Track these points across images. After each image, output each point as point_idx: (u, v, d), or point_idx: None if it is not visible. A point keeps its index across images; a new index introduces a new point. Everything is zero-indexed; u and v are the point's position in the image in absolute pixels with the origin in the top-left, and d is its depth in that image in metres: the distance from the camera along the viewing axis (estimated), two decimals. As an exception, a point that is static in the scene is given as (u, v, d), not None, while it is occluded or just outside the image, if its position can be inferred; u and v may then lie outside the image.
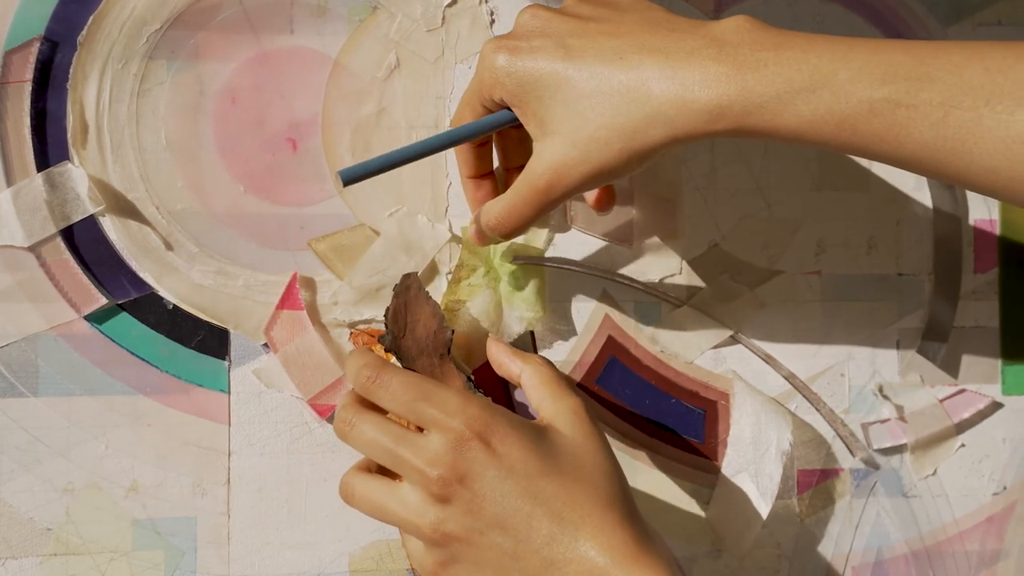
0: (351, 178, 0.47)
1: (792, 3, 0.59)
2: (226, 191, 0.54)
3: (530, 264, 0.55)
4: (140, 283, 0.53)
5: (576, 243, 0.57)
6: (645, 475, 0.57)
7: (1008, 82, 0.40)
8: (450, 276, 0.55)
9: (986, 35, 0.60)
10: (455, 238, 0.56)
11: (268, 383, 0.54)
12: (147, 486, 0.53)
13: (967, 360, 0.60)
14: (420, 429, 0.47)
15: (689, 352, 0.58)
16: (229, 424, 0.54)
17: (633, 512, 0.46)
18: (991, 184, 0.42)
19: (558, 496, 0.44)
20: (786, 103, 0.42)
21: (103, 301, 0.52)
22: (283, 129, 0.54)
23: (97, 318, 0.53)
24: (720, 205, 0.58)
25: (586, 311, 0.57)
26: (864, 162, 0.60)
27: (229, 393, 0.54)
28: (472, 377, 0.53)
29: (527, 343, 0.56)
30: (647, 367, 0.57)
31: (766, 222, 0.59)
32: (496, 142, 0.53)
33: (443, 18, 0.56)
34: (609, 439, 0.56)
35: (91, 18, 0.52)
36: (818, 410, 0.58)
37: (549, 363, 0.50)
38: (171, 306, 0.53)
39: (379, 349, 0.54)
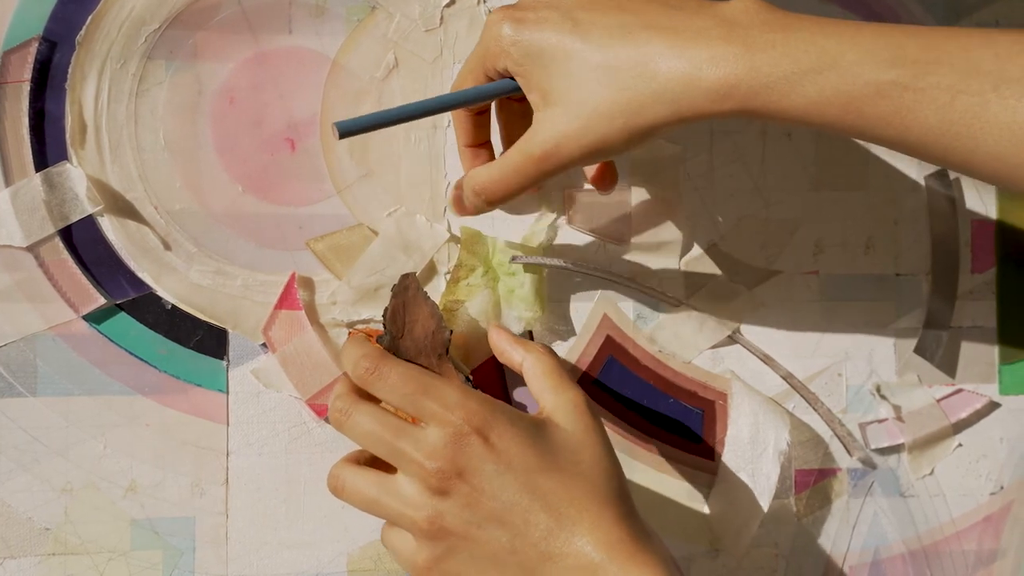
0: (347, 131, 0.47)
1: (790, 3, 0.59)
2: (224, 191, 0.54)
3: (528, 264, 0.55)
4: (138, 283, 0.53)
5: (574, 243, 0.57)
6: (643, 474, 0.57)
7: (1016, 69, 0.40)
8: (448, 276, 0.55)
9: (984, 35, 0.60)
10: (454, 238, 0.56)
11: (266, 383, 0.54)
12: (145, 486, 0.53)
13: (964, 360, 0.60)
14: (415, 420, 0.47)
15: (687, 352, 0.58)
16: (227, 424, 0.54)
17: (630, 509, 0.46)
18: (996, 171, 0.42)
19: (556, 492, 0.45)
20: (793, 84, 0.42)
21: (101, 301, 0.52)
22: (281, 129, 0.54)
23: (95, 318, 0.53)
24: (718, 205, 0.58)
25: (584, 311, 0.57)
26: (862, 162, 0.60)
27: (227, 393, 0.54)
28: (471, 377, 0.53)
29: (525, 343, 0.56)
30: (645, 367, 0.57)
31: (764, 222, 0.59)
32: (497, 115, 0.53)
33: (441, 18, 0.56)
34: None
35: (89, 18, 0.52)
36: (816, 410, 0.58)
37: (551, 352, 0.50)
38: (169, 306, 0.53)
39: (378, 349, 0.54)
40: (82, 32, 0.52)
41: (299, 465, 0.54)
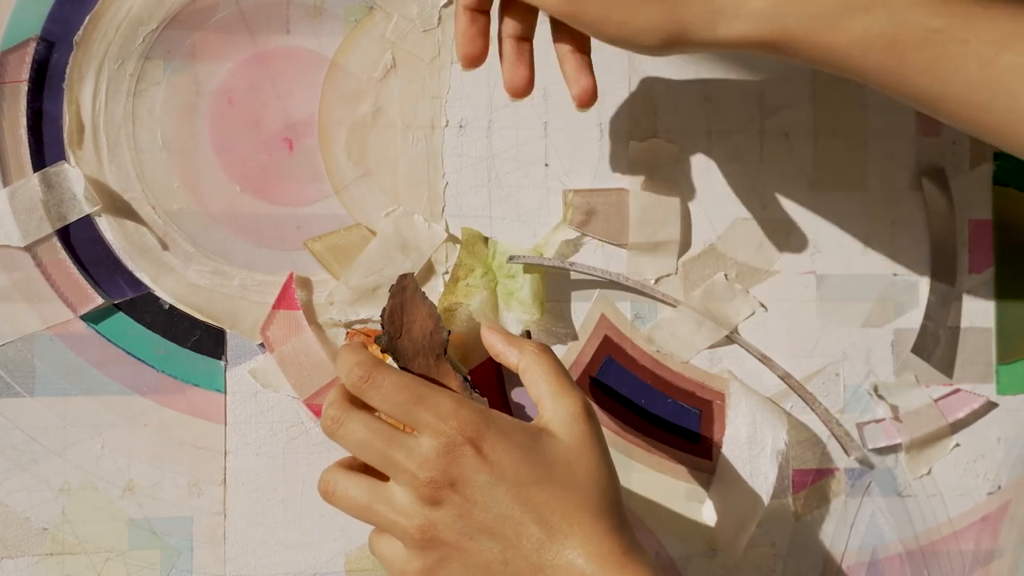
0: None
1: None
2: (222, 191, 0.54)
3: (527, 265, 0.56)
4: (136, 283, 0.53)
5: (572, 244, 0.57)
6: (641, 474, 0.57)
7: None
8: (447, 276, 0.56)
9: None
10: (452, 238, 0.56)
11: (264, 383, 0.54)
12: (143, 486, 0.53)
13: (962, 360, 0.60)
14: (408, 429, 0.46)
15: (685, 352, 0.58)
16: (225, 424, 0.54)
17: (623, 521, 0.46)
18: None
19: (548, 504, 0.44)
20: (840, 18, 0.42)
21: (99, 301, 0.52)
22: (279, 129, 0.54)
23: (93, 318, 0.53)
24: (716, 205, 0.58)
25: (582, 311, 0.57)
26: (859, 163, 0.60)
27: (225, 393, 0.54)
28: (469, 377, 0.53)
29: (523, 343, 0.56)
30: (643, 367, 0.57)
31: (762, 223, 0.59)
32: (501, 5, 0.50)
33: (439, 18, 0.56)
34: (605, 439, 0.56)
35: (87, 18, 0.52)
36: (813, 410, 0.58)
37: (548, 352, 0.49)
38: (167, 306, 0.53)
39: (375, 349, 0.54)
40: (80, 32, 0.52)
41: (297, 465, 0.54)
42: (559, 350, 0.57)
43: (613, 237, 0.57)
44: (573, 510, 0.44)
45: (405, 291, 0.52)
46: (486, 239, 0.56)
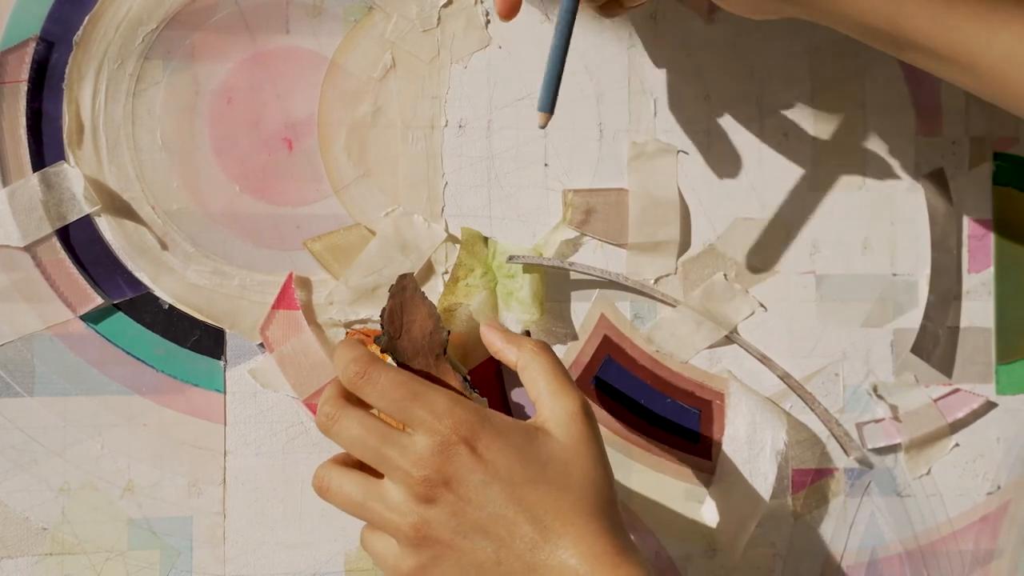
0: (548, 107, 0.48)
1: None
2: (222, 191, 0.54)
3: (527, 264, 0.56)
4: (136, 283, 0.53)
5: (572, 244, 0.57)
6: (640, 474, 0.57)
7: None
8: (447, 276, 0.56)
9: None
10: (451, 238, 0.56)
11: (264, 383, 0.54)
12: (143, 486, 0.53)
13: (961, 360, 0.60)
14: (403, 427, 0.46)
15: (684, 352, 0.58)
16: (225, 424, 0.54)
17: (617, 521, 0.46)
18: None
19: (542, 504, 0.44)
20: None
21: (99, 301, 0.52)
22: (279, 129, 0.54)
23: (93, 318, 0.53)
24: (715, 205, 0.58)
25: (582, 311, 0.57)
26: (859, 162, 0.60)
27: (225, 393, 0.54)
28: (468, 377, 0.53)
29: (523, 343, 0.56)
30: (643, 367, 0.57)
31: (761, 222, 0.59)
32: None
33: (439, 18, 0.56)
34: (604, 438, 0.56)
35: (87, 18, 0.52)
36: (813, 410, 0.58)
37: (547, 350, 0.49)
38: (167, 306, 0.53)
39: (375, 350, 0.54)
40: (79, 32, 0.52)
41: (296, 465, 0.54)
42: (559, 350, 0.57)
43: (612, 237, 0.57)
44: (567, 510, 0.44)
45: (405, 291, 0.52)
46: (486, 239, 0.56)
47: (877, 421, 0.59)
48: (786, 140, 0.59)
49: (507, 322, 0.56)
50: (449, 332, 0.52)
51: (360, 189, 0.55)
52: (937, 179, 0.60)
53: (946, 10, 0.45)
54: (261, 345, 0.54)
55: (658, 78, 0.58)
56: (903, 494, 0.59)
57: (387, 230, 0.55)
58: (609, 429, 0.57)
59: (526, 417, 0.56)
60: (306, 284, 0.55)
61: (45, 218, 0.52)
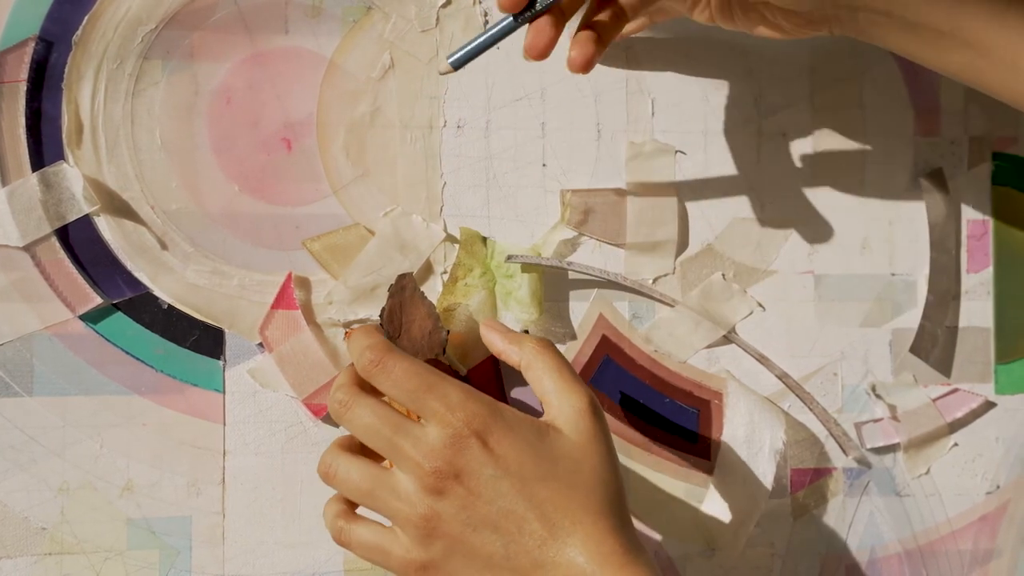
0: (460, 63, 0.48)
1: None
2: (221, 191, 0.54)
3: (525, 264, 0.56)
4: (135, 283, 0.53)
5: (570, 244, 0.57)
6: (639, 474, 0.57)
7: None
8: (445, 276, 0.56)
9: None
10: (450, 238, 0.56)
11: (263, 383, 0.54)
12: (142, 486, 0.53)
13: (960, 359, 0.60)
14: (416, 417, 0.46)
15: (683, 352, 0.58)
16: (224, 424, 0.54)
17: (625, 520, 0.46)
18: None
19: (551, 501, 0.44)
20: None
21: (98, 301, 0.53)
22: (278, 129, 0.55)
23: (92, 318, 0.53)
24: (713, 205, 0.58)
25: (580, 311, 0.57)
26: (857, 162, 0.60)
27: (224, 393, 0.54)
28: (467, 377, 0.53)
29: (521, 343, 0.56)
30: (641, 367, 0.57)
31: (759, 222, 0.59)
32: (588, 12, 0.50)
33: (437, 19, 0.56)
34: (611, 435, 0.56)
35: (86, 18, 0.52)
36: (811, 409, 0.58)
37: (550, 347, 0.49)
38: (166, 306, 0.53)
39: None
40: (78, 32, 0.52)
41: (296, 465, 0.54)
42: (558, 347, 0.57)
43: (611, 237, 0.57)
44: (576, 508, 0.44)
45: (404, 291, 0.52)
46: (484, 239, 0.56)
47: (876, 421, 0.59)
48: (784, 140, 0.59)
49: (506, 322, 0.56)
50: (448, 332, 0.52)
51: (359, 189, 0.55)
52: (936, 179, 0.61)
53: (1006, 8, 0.45)
54: (260, 345, 0.54)
55: (656, 78, 0.58)
56: (902, 494, 0.59)
57: (386, 230, 0.55)
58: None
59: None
60: (305, 284, 0.55)
61: (44, 218, 0.52)
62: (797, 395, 0.58)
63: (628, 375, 0.57)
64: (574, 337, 0.57)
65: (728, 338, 0.58)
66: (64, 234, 0.52)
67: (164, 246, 0.53)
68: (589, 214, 0.57)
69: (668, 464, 0.57)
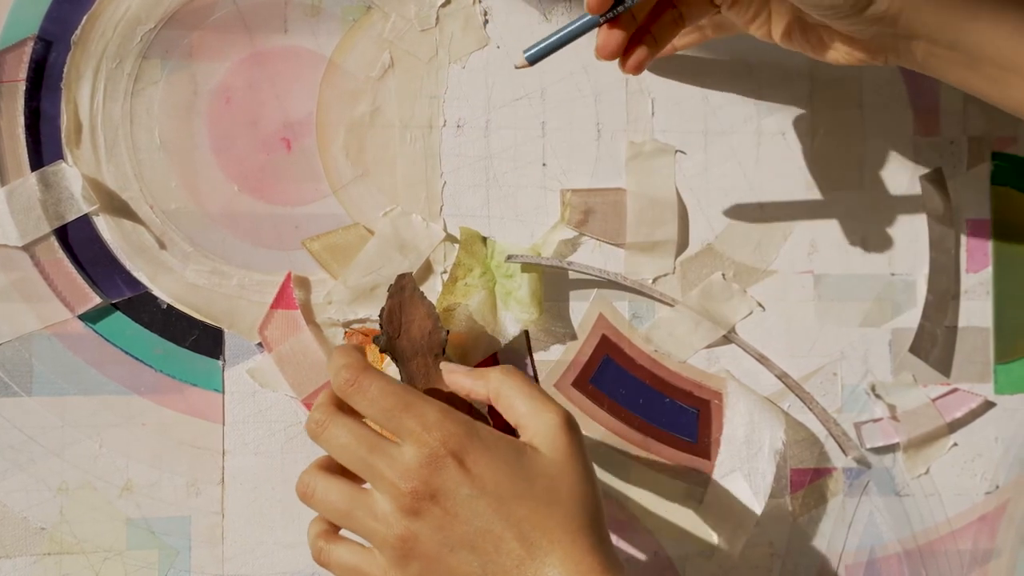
0: (536, 57, 0.49)
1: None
2: (220, 190, 0.54)
3: (525, 264, 0.56)
4: (134, 282, 0.53)
5: (570, 244, 0.57)
6: (638, 474, 0.57)
7: None
8: (445, 276, 0.56)
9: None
10: (450, 238, 0.56)
11: (262, 382, 0.54)
12: (141, 485, 0.53)
13: (959, 359, 0.60)
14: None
15: (682, 351, 0.58)
16: (223, 423, 0.54)
17: (604, 538, 0.45)
18: None
19: (529, 520, 0.44)
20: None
21: (97, 300, 0.52)
22: (277, 129, 0.54)
23: (91, 317, 0.53)
24: (713, 205, 0.58)
25: (580, 311, 0.57)
26: (857, 162, 0.60)
27: (223, 392, 0.54)
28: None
29: (522, 344, 0.56)
30: (641, 367, 0.57)
31: (759, 222, 0.59)
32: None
33: (437, 18, 0.56)
34: (603, 438, 0.56)
35: (85, 17, 0.52)
36: (811, 409, 0.58)
37: (515, 371, 0.48)
38: (165, 305, 0.53)
39: (374, 350, 0.55)
40: (78, 31, 0.52)
41: (295, 464, 0.54)
42: (557, 349, 0.57)
43: (611, 237, 0.57)
44: (554, 527, 0.44)
45: (404, 291, 0.52)
46: (484, 239, 0.56)
47: (875, 421, 0.59)
48: (784, 140, 0.59)
49: (506, 321, 0.56)
50: (448, 332, 0.52)
51: (358, 189, 0.55)
52: (935, 179, 0.61)
53: None
54: (259, 345, 0.54)
55: (656, 78, 0.58)
56: (901, 494, 0.59)
57: (385, 230, 0.55)
58: (607, 428, 0.57)
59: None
60: (304, 284, 0.55)
61: (43, 217, 0.52)
62: (797, 395, 0.58)
63: (628, 375, 0.57)
64: (574, 337, 0.57)
65: (728, 338, 0.58)
66: (63, 234, 0.52)
67: (163, 246, 0.53)
68: (589, 214, 0.57)
69: (667, 464, 0.57)
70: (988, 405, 0.60)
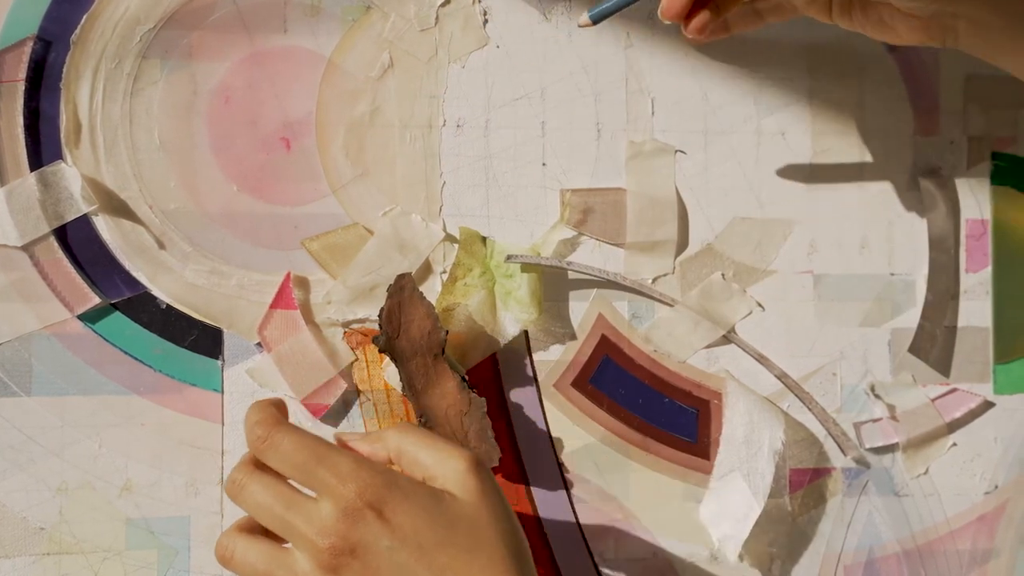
0: (599, 17, 0.49)
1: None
2: (220, 190, 0.54)
3: (524, 264, 0.56)
4: (133, 282, 0.53)
5: (570, 243, 0.57)
6: (638, 474, 0.57)
7: None
8: (445, 275, 0.56)
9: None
10: (449, 237, 0.56)
11: (262, 382, 0.54)
12: (140, 485, 0.53)
13: (959, 359, 0.60)
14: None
15: (682, 351, 0.58)
16: (222, 423, 0.54)
17: (529, 571, 0.45)
18: None
19: (452, 568, 0.43)
20: None
21: (96, 300, 0.52)
22: (277, 128, 0.54)
23: (90, 317, 0.53)
24: (713, 205, 0.58)
25: (580, 311, 0.57)
26: (857, 162, 0.60)
27: (222, 392, 0.54)
28: (466, 377, 0.53)
29: (521, 344, 0.56)
30: (640, 366, 0.57)
31: (759, 222, 0.59)
32: None
33: (436, 18, 0.56)
34: (602, 438, 0.56)
35: (84, 17, 0.52)
36: (810, 409, 0.58)
37: (409, 426, 0.47)
38: (164, 305, 0.53)
39: (373, 350, 0.55)
40: (77, 31, 0.52)
41: (294, 464, 0.54)
42: (557, 349, 0.57)
43: (610, 236, 0.57)
44: (478, 571, 0.43)
45: (403, 291, 0.52)
46: (484, 238, 0.56)
47: (875, 421, 0.59)
48: (784, 139, 0.59)
49: (505, 321, 0.56)
50: (447, 332, 0.52)
51: (358, 189, 0.55)
52: (935, 179, 0.60)
53: None
54: (259, 345, 0.54)
55: (656, 77, 0.58)
56: (901, 494, 0.59)
57: (385, 230, 0.55)
58: (607, 428, 0.57)
59: (525, 418, 0.56)
60: (304, 284, 0.55)
61: (42, 217, 0.52)
62: (796, 395, 0.58)
63: (627, 375, 0.57)
64: (574, 337, 0.57)
65: (727, 338, 0.58)
66: (62, 234, 0.52)
67: (162, 246, 0.53)
68: (589, 213, 0.57)
69: (667, 464, 0.57)
70: (987, 405, 0.60)
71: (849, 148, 0.60)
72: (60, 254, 0.52)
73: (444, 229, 0.56)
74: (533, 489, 0.56)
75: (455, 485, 0.45)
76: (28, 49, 0.52)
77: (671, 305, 0.57)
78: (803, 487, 0.59)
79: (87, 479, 0.52)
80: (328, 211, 0.55)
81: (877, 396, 0.59)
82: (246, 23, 0.54)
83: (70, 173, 0.52)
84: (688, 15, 0.49)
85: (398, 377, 0.53)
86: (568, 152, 0.57)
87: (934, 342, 0.60)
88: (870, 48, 0.60)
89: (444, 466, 0.45)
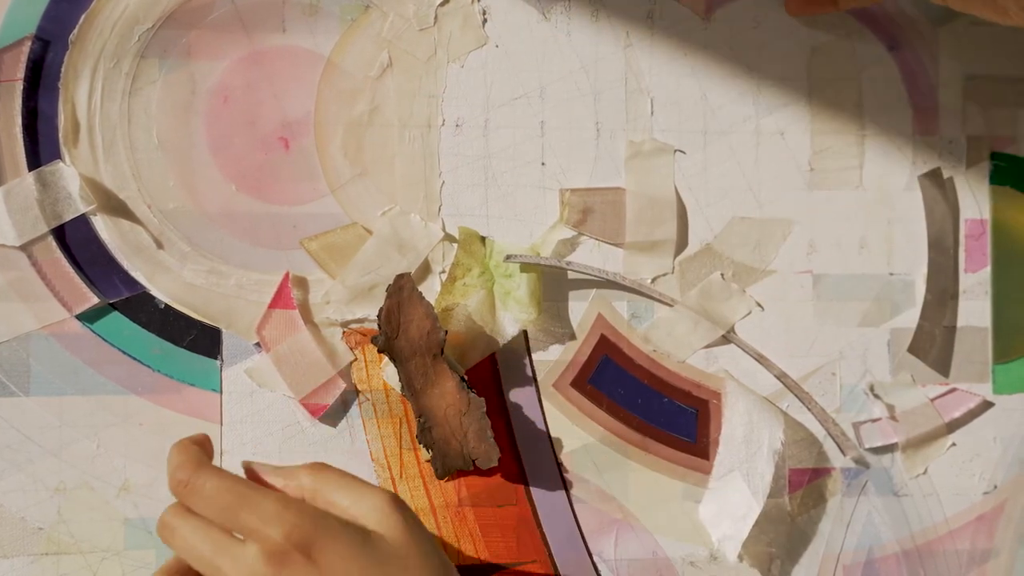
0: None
1: (783, 2, 0.59)
2: (218, 190, 0.54)
3: (524, 264, 0.55)
4: (132, 282, 0.53)
5: (569, 243, 0.57)
6: (637, 474, 0.57)
7: None
8: (444, 275, 0.55)
9: (979, 35, 0.60)
10: (448, 237, 0.56)
11: (260, 382, 0.54)
12: (139, 485, 0.53)
13: (958, 359, 0.60)
14: None
15: (681, 351, 0.58)
16: (221, 423, 0.54)
17: None
18: None
19: None
20: None
21: (95, 300, 0.52)
22: (275, 128, 0.54)
23: (89, 317, 0.52)
24: (712, 204, 0.58)
25: (579, 311, 0.57)
26: (856, 161, 0.60)
27: (221, 392, 0.54)
28: (466, 377, 0.53)
29: (521, 344, 0.56)
30: (640, 366, 0.57)
31: (758, 222, 0.59)
32: None
33: (435, 17, 0.56)
34: (601, 438, 0.56)
35: (83, 17, 0.52)
36: (809, 409, 0.58)
37: (323, 465, 0.46)
38: (163, 305, 0.53)
39: (372, 350, 0.54)
40: (75, 31, 0.52)
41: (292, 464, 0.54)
42: (556, 349, 0.57)
43: (610, 236, 0.57)
44: None
45: (402, 291, 0.52)
46: (483, 238, 0.56)
47: (874, 421, 0.59)
48: (783, 139, 0.59)
49: (504, 321, 0.56)
50: (447, 332, 0.52)
51: (357, 188, 0.55)
52: (934, 178, 0.60)
53: None
54: (257, 345, 0.54)
55: (655, 77, 0.58)
56: (900, 494, 0.59)
57: (384, 229, 0.55)
58: (606, 428, 0.57)
59: (524, 417, 0.56)
60: (303, 283, 0.54)
61: (41, 217, 0.52)
62: (795, 395, 0.58)
63: (627, 375, 0.57)
64: (573, 337, 0.57)
65: (727, 338, 0.58)
66: (61, 233, 0.52)
67: (161, 245, 0.53)
68: (588, 213, 0.57)
69: (666, 464, 0.57)
70: (986, 405, 0.60)
71: (848, 148, 0.60)
72: (58, 254, 0.52)
73: (443, 229, 0.56)
74: (532, 489, 0.56)
75: (377, 524, 0.44)
76: (26, 48, 0.52)
77: (670, 305, 0.57)
78: (802, 487, 0.59)
79: (85, 479, 0.52)
80: (327, 211, 0.55)
81: (876, 396, 0.59)
82: (244, 22, 0.54)
83: (68, 173, 0.52)
84: None
85: (397, 377, 0.53)
86: (567, 152, 0.57)
87: (933, 342, 0.60)
88: (869, 48, 0.60)
89: (362, 505, 0.44)
